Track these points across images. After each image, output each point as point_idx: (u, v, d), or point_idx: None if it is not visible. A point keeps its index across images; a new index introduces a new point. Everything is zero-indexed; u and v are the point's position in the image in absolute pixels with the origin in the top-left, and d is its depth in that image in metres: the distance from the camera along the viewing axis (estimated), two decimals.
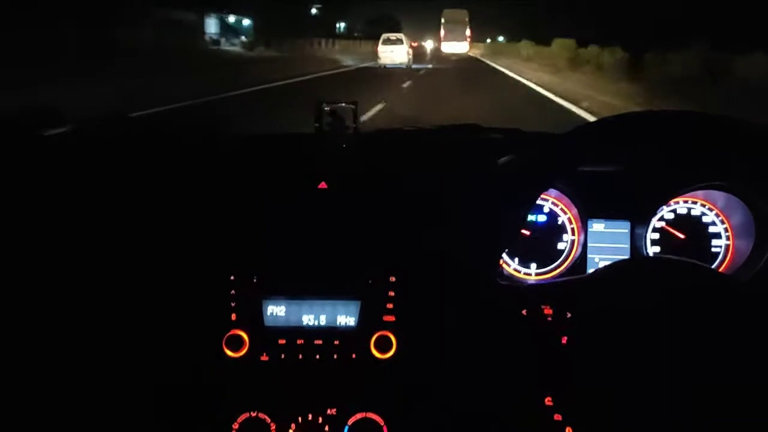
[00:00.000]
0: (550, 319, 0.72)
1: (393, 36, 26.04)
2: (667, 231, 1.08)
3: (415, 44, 47.25)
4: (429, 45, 51.74)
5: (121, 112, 1.28)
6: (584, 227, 1.05)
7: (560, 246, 1.08)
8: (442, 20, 45.38)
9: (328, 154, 1.11)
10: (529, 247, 1.08)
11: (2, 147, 1.07)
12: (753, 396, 0.65)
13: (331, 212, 0.98)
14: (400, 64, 23.15)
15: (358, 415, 0.91)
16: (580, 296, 0.74)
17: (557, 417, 0.69)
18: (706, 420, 0.65)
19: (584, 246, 1.05)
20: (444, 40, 44.86)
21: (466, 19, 45.16)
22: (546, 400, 0.70)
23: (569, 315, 0.72)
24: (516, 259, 1.09)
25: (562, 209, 1.08)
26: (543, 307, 0.73)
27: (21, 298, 0.95)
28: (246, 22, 40.79)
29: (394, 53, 24.22)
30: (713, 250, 1.07)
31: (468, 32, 44.68)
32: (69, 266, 0.96)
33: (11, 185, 1.00)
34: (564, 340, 0.71)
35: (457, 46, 43.11)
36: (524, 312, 0.73)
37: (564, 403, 0.70)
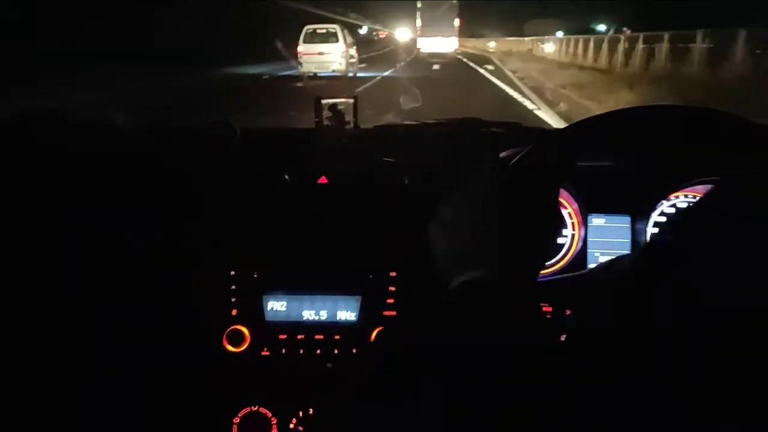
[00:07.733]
0: (549, 317, 0.72)
1: (321, 28, 16.99)
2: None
3: (383, 35, 38.53)
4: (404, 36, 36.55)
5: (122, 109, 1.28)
6: (585, 222, 1.05)
7: (560, 241, 1.08)
8: (418, 5, 33.07)
9: (328, 149, 1.11)
10: None
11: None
12: (753, 386, 0.65)
13: (332, 207, 0.98)
14: (334, 71, 16.02)
15: None
16: (578, 293, 0.74)
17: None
18: (709, 412, 0.65)
19: (585, 241, 1.05)
20: (421, 35, 32.67)
21: (455, 2, 32.73)
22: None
23: (568, 312, 0.72)
24: None
25: (562, 204, 1.08)
26: (542, 305, 0.73)
27: (19, 298, 0.96)
28: None
29: (324, 56, 16.11)
30: None
31: (457, 23, 32.32)
32: (71, 259, 0.97)
33: (9, 183, 1.00)
34: (563, 338, 0.71)
35: (440, 44, 30.95)
36: None
37: (565, 401, 0.69)
